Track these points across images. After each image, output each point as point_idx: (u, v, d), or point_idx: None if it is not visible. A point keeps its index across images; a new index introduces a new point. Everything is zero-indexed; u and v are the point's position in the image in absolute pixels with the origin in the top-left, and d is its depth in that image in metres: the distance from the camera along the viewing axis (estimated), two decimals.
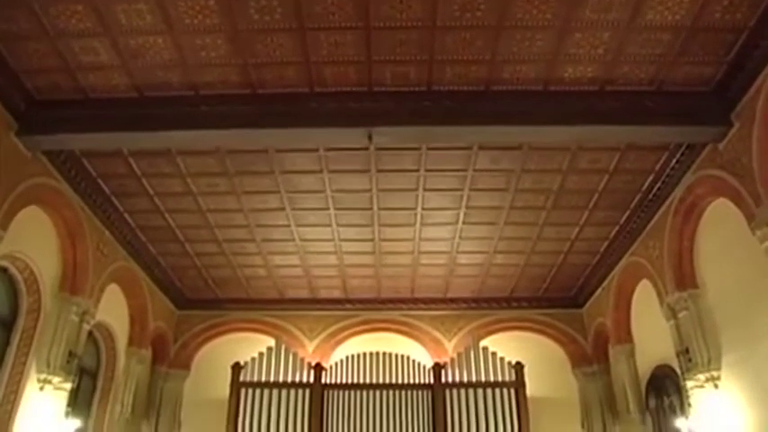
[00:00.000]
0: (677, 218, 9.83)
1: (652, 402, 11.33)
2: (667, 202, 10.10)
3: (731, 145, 8.12)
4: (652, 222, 10.69)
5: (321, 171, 9.82)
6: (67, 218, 9.81)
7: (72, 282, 10.01)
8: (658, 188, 10.09)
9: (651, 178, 10.00)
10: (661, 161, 9.57)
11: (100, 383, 11.83)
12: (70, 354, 9.77)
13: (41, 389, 9.29)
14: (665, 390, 10.89)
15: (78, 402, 10.88)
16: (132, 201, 10.70)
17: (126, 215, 11.12)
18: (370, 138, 8.19)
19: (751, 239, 7.77)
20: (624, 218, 11.17)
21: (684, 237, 9.84)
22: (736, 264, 8.55)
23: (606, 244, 12.11)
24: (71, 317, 9.85)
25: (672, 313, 9.96)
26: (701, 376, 9.12)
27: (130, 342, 12.52)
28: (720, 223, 9.05)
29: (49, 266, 9.70)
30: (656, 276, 10.59)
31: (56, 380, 9.45)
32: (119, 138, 8.57)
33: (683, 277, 9.80)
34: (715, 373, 8.97)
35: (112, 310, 11.81)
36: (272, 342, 13.78)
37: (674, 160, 9.39)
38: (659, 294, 10.46)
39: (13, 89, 8.02)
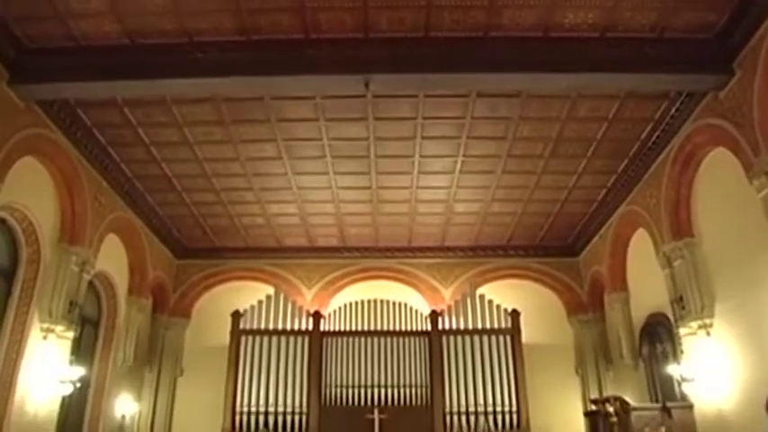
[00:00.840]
0: (675, 167, 9.82)
1: (645, 349, 11.52)
2: (666, 151, 10.06)
3: (732, 94, 8.05)
4: (650, 171, 10.67)
5: (318, 119, 9.74)
6: (64, 168, 9.77)
7: (71, 232, 10.04)
8: (657, 137, 10.04)
9: (650, 127, 9.94)
10: (661, 110, 9.50)
11: (102, 332, 11.98)
12: (71, 303, 9.87)
13: (45, 338, 9.42)
14: (658, 337, 11.06)
15: (81, 351, 11.06)
16: (129, 150, 10.64)
17: (123, 165, 11.08)
18: (366, 85, 8.10)
19: (748, 189, 7.79)
20: (622, 166, 11.14)
21: (682, 186, 9.85)
22: (732, 213, 8.58)
23: (604, 192, 12.12)
24: (71, 267, 9.92)
25: (667, 262, 10.04)
26: (694, 324, 9.27)
27: (130, 291, 12.63)
28: (718, 173, 9.05)
29: (48, 217, 9.71)
30: (652, 225, 10.63)
31: (58, 329, 9.58)
32: (112, 86, 8.46)
33: (680, 226, 9.85)
34: (708, 321, 9.11)
35: (112, 259, 11.88)
36: (270, 290, 13.91)
37: (674, 109, 9.32)
38: (655, 243, 10.53)
39: (2, 37, 7.89)
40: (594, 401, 10.87)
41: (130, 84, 8.35)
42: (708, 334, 9.12)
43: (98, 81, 8.27)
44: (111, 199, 11.26)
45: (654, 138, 10.11)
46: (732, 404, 8.50)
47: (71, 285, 9.91)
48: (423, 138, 10.23)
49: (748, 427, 7.90)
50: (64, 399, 9.93)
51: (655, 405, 9.92)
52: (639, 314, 11.80)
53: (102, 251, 11.01)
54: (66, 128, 9.56)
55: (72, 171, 9.93)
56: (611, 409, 9.87)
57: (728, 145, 8.32)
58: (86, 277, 10.45)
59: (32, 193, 9.30)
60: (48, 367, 9.45)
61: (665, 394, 10.50)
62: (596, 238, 13.39)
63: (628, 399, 10.03)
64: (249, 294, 13.89)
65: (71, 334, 9.96)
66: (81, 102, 9.31)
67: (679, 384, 9.74)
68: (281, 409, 12.39)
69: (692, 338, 9.45)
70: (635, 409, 9.58)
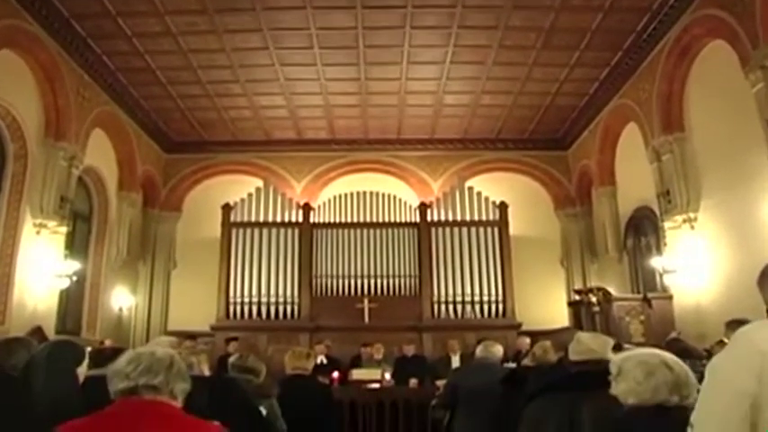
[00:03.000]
0: (670, 60, 9.66)
1: (630, 242, 11.81)
2: (661, 43, 9.86)
3: None
4: (644, 64, 10.49)
5: (305, 7, 9.37)
6: (43, 62, 9.47)
7: (56, 127, 9.89)
8: (654, 28, 9.80)
9: (647, 17, 9.68)
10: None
11: (94, 227, 12.05)
12: (62, 199, 9.88)
13: (38, 233, 9.51)
14: (642, 230, 11.31)
15: (75, 246, 11.19)
16: (110, 42, 10.26)
17: (105, 58, 10.72)
18: None
19: (742, 85, 7.72)
20: (616, 59, 10.93)
21: (676, 80, 9.74)
22: (724, 109, 8.55)
23: (596, 85, 11.94)
24: (59, 162, 9.86)
25: (656, 156, 10.10)
26: (679, 217, 9.47)
27: (120, 186, 12.59)
28: (713, 67, 8.94)
29: (31, 112, 9.54)
30: (643, 119, 10.60)
31: (51, 224, 9.65)
32: None
33: (671, 120, 9.83)
34: (692, 215, 9.30)
35: (100, 155, 11.76)
36: (260, 183, 13.92)
37: None
38: (645, 137, 10.54)
39: None
40: (578, 292, 11.25)
41: None
42: (692, 228, 9.34)
43: None
44: (94, 93, 10.99)
45: (650, 29, 9.86)
46: (710, 296, 8.86)
47: (60, 181, 9.88)
48: (412, 27, 9.91)
49: (724, 317, 8.25)
50: (61, 292, 10.15)
51: (636, 296, 10.30)
52: (626, 208, 12.00)
53: (89, 147, 10.88)
54: (42, 19, 9.18)
55: (52, 65, 9.64)
56: (593, 300, 10.24)
57: (726, 37, 8.16)
58: (75, 172, 10.39)
59: (13, 88, 9.08)
60: (43, 262, 9.59)
61: (647, 286, 10.88)
62: (586, 132, 13.34)
63: (610, 290, 10.40)
64: (239, 187, 13.89)
65: (64, 229, 10.03)
66: None
67: (661, 276, 10.08)
68: (273, 299, 12.72)
69: (676, 232, 9.67)
70: (617, 299, 9.95)
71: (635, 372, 2.12)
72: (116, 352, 3.52)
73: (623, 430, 2.08)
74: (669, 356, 2.15)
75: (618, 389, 2.17)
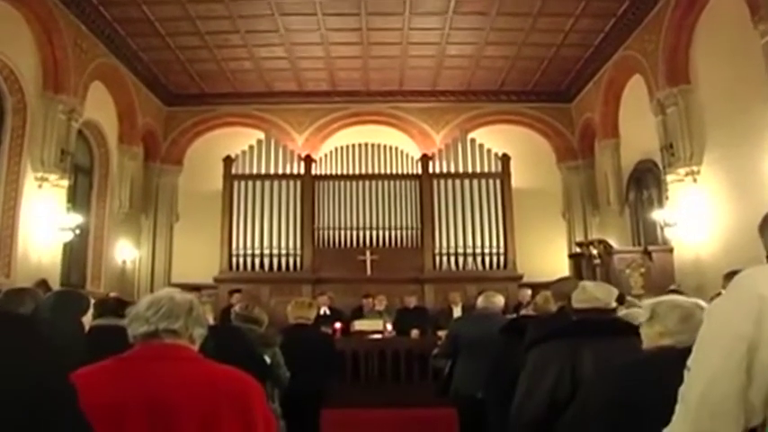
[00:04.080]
0: (677, 10, 9.49)
1: (632, 195, 11.80)
2: None
3: None
4: (650, 15, 10.29)
5: None
6: (40, 13, 9.34)
7: (54, 80, 9.79)
8: None
9: None
10: None
11: (96, 181, 12.03)
12: (62, 152, 9.86)
13: (40, 186, 9.52)
14: (645, 183, 11.30)
15: (78, 199, 11.20)
16: None
17: (102, 8, 10.52)
18: None
19: (750, 36, 7.59)
20: (622, 9, 10.71)
21: (683, 30, 9.58)
22: (731, 61, 8.43)
23: (601, 36, 11.73)
24: (58, 115, 9.80)
25: (660, 108, 10.01)
26: (682, 170, 9.44)
27: (121, 139, 12.52)
28: (721, 19, 8.78)
29: (29, 65, 9.44)
30: (648, 71, 10.46)
31: (52, 177, 9.65)
32: None
33: (677, 72, 9.71)
34: (695, 168, 9.27)
35: (100, 108, 11.66)
36: (261, 135, 13.85)
37: None
38: (650, 89, 10.42)
39: None
40: (579, 244, 11.29)
41: None
42: (694, 181, 9.32)
43: None
44: (92, 44, 10.83)
45: None
46: (710, 249, 8.90)
47: (60, 134, 9.84)
48: None
49: (722, 270, 8.30)
50: (65, 245, 10.20)
51: (636, 248, 10.35)
52: (628, 161, 11.94)
53: (89, 100, 10.77)
54: None
55: (48, 16, 9.49)
56: (594, 252, 10.29)
57: None
58: (75, 125, 10.33)
59: (10, 41, 8.98)
60: (46, 215, 9.62)
61: (648, 238, 10.92)
62: (590, 84, 13.18)
63: (611, 242, 10.44)
64: (240, 140, 13.81)
65: (65, 182, 10.03)
66: None
67: (661, 229, 10.10)
68: (275, 251, 12.78)
69: (678, 185, 9.65)
70: (617, 251, 10.01)
71: (671, 315, 2.17)
72: (120, 302, 3.58)
73: (652, 369, 2.11)
74: (701, 301, 2.21)
75: (651, 331, 2.21)
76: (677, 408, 1.50)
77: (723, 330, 1.44)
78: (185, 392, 1.96)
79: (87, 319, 3.11)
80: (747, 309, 1.39)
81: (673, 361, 2.00)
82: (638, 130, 11.26)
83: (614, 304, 3.03)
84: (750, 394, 1.38)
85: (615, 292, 3.12)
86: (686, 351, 1.57)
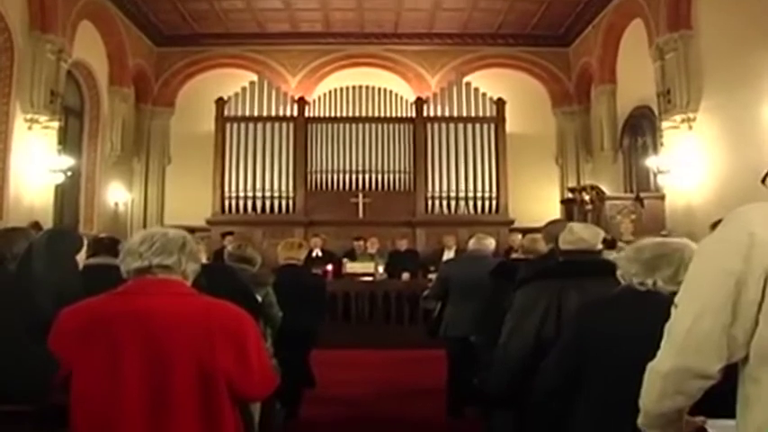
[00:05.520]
0: None
1: (626, 142, 11.76)
2: None
3: None
4: None
5: None
6: None
7: (41, 19, 9.56)
8: None
9: None
10: None
11: (87, 123, 11.89)
12: (52, 93, 9.71)
13: (30, 128, 9.42)
14: (640, 130, 11.25)
15: (69, 142, 11.07)
16: None
17: None
18: None
19: None
20: None
21: None
22: (736, 7, 8.27)
23: None
24: (46, 55, 9.61)
25: (659, 54, 9.88)
26: (678, 117, 9.39)
27: (111, 81, 12.30)
28: None
29: (15, 4, 9.20)
30: (649, 15, 10.28)
31: (42, 119, 9.54)
32: None
33: (678, 17, 9.53)
34: (692, 115, 9.23)
35: (89, 49, 11.42)
36: (254, 77, 13.65)
37: None
38: (650, 34, 10.25)
39: None
40: (572, 190, 11.32)
41: None
42: (690, 128, 9.29)
43: None
44: None
45: None
46: (701, 197, 8.95)
47: (49, 74, 9.67)
48: None
49: (713, 218, 8.36)
50: (57, 188, 10.16)
51: (629, 195, 10.39)
52: (624, 107, 11.86)
53: (78, 40, 10.55)
54: None
55: None
56: (586, 198, 10.34)
57: None
58: (64, 66, 10.14)
59: None
60: (37, 157, 9.55)
61: (640, 185, 10.95)
62: (589, 28, 12.92)
63: (604, 188, 10.47)
64: (233, 81, 13.61)
65: (56, 124, 9.91)
66: None
67: (655, 176, 10.12)
68: (267, 194, 12.79)
69: (673, 132, 9.62)
70: (609, 198, 10.05)
71: (646, 254, 2.24)
72: (114, 241, 3.59)
73: (622, 306, 2.21)
74: (688, 241, 2.27)
75: (629, 270, 2.27)
76: (663, 343, 1.54)
77: (712, 266, 1.46)
78: (179, 326, 1.99)
79: (81, 258, 3.12)
80: (737, 245, 1.41)
81: (642, 299, 2.06)
82: (636, 76, 11.14)
83: (600, 246, 3.06)
84: (735, 330, 1.41)
85: (602, 233, 3.14)
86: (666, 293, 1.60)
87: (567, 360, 2.29)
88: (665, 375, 1.50)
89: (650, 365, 1.55)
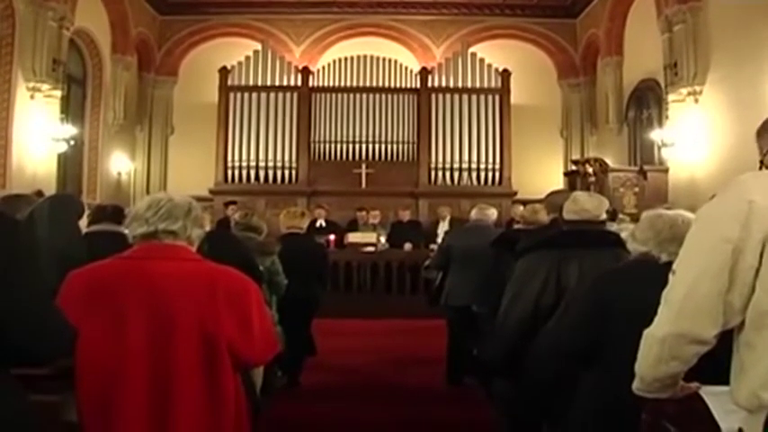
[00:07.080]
0: None
1: (631, 114, 11.69)
2: None
3: None
4: None
5: None
6: None
7: None
8: None
9: None
10: None
11: (89, 92, 11.85)
12: (54, 61, 9.64)
13: (32, 97, 9.39)
14: (645, 103, 11.18)
15: (71, 111, 11.02)
16: None
17: None
18: None
19: None
20: None
21: None
22: None
23: None
24: (48, 23, 9.51)
25: (667, 26, 9.76)
26: (684, 90, 9.33)
27: (114, 49, 12.20)
28: None
29: None
30: None
31: (44, 87, 9.50)
32: None
33: None
34: (698, 88, 9.16)
35: (92, 16, 11.31)
36: (258, 46, 13.52)
37: None
38: (658, 6, 10.10)
39: None
40: (575, 162, 11.29)
41: None
42: (696, 101, 9.23)
43: None
44: None
45: None
46: (705, 170, 8.93)
47: (51, 42, 9.59)
48: None
49: (716, 191, 8.36)
50: (60, 156, 10.17)
51: (633, 168, 10.36)
52: (630, 79, 11.76)
53: (80, 8, 10.40)
54: None
55: None
56: (590, 170, 10.32)
57: None
58: (66, 34, 10.06)
59: None
60: (39, 126, 9.54)
61: (645, 158, 10.90)
62: None
63: (608, 161, 10.44)
64: (236, 51, 13.49)
65: (58, 93, 9.86)
66: None
67: (659, 149, 10.08)
68: (271, 164, 12.76)
69: (679, 105, 9.56)
70: (613, 170, 10.03)
71: (651, 225, 2.29)
72: (117, 209, 3.61)
73: (628, 276, 2.25)
74: (685, 212, 2.34)
75: (635, 243, 2.30)
76: (660, 309, 1.55)
77: (710, 233, 1.48)
78: (184, 290, 2.01)
79: (82, 225, 3.14)
80: (735, 212, 1.42)
81: (649, 269, 2.07)
82: (643, 48, 11.03)
83: (604, 216, 3.05)
84: (731, 296, 1.42)
85: (606, 203, 3.13)
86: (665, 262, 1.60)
87: (586, 325, 2.24)
88: (662, 340, 1.51)
89: (647, 331, 1.57)
